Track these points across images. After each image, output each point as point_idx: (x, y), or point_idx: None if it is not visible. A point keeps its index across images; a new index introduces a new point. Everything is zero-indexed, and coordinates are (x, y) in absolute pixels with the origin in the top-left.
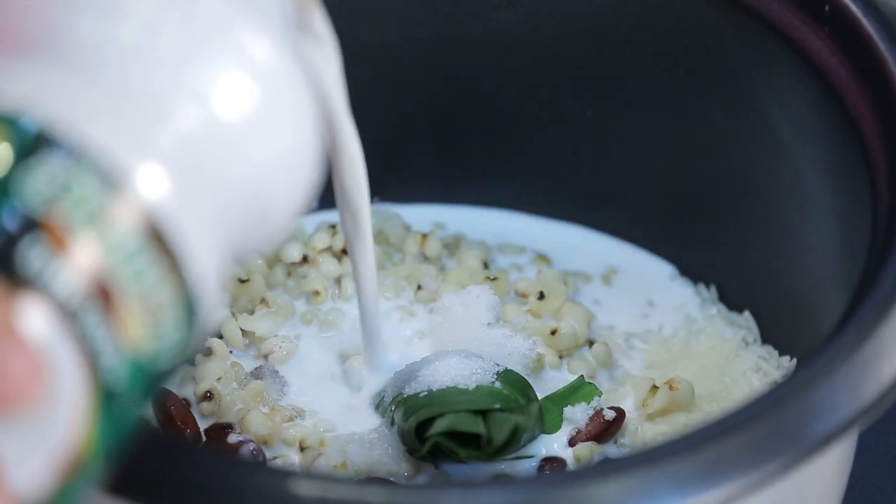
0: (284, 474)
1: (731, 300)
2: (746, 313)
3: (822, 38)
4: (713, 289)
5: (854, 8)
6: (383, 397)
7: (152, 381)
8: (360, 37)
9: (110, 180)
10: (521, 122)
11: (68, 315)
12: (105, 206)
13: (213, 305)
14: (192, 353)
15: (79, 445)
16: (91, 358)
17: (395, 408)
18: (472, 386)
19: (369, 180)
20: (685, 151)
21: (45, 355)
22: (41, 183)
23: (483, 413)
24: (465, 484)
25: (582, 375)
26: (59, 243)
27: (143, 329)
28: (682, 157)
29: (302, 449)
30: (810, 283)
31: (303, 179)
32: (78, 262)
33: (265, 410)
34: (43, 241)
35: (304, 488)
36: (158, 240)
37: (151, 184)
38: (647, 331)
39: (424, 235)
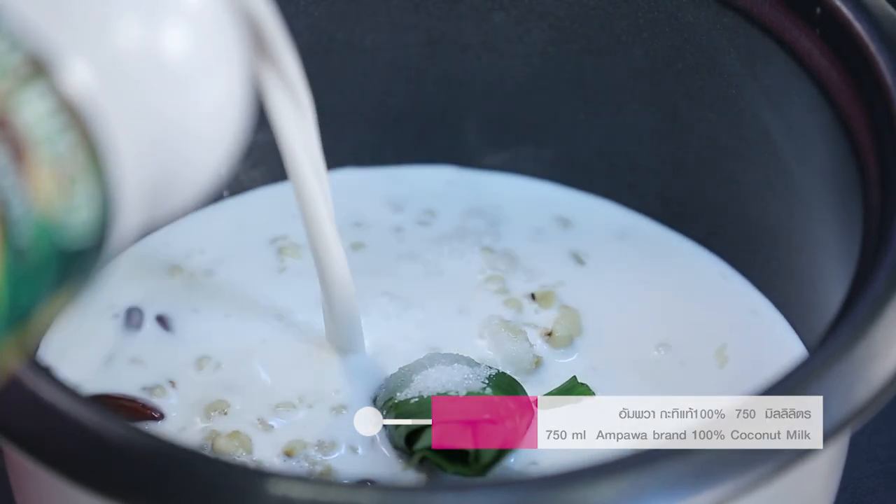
0: (276, 478)
1: None
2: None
3: (813, 40)
4: None
5: (845, 10)
6: (375, 400)
7: (59, 260)
8: (351, 39)
9: (28, 48)
10: (512, 125)
11: None
12: (20, 65)
13: (131, 218)
14: (106, 260)
15: None
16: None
17: (386, 413)
18: (462, 393)
19: None
20: (677, 152)
21: None
22: None
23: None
24: (457, 486)
25: (574, 376)
26: None
27: (52, 193)
28: (674, 159)
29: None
30: (801, 284)
31: (227, 129)
32: None
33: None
34: None
35: (295, 491)
36: (75, 116)
37: (76, 71)
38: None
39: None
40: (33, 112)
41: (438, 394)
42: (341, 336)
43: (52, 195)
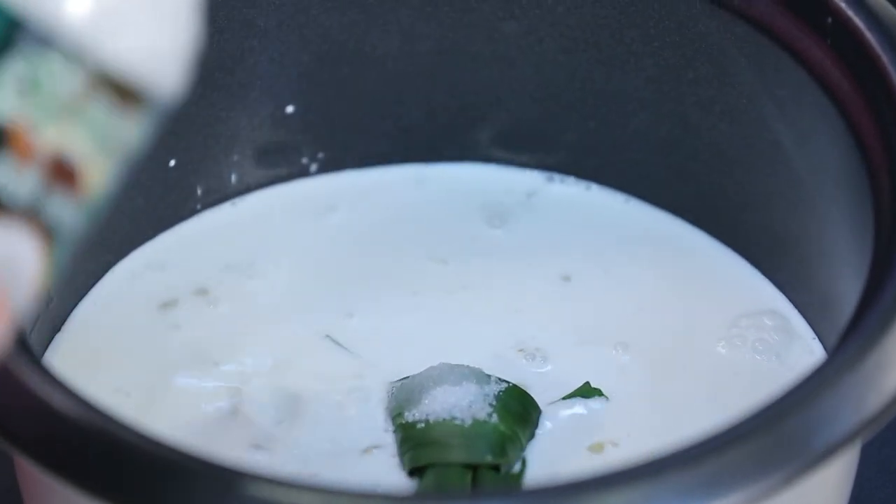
0: (286, 486)
1: None
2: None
3: (824, 50)
4: None
5: (857, 20)
6: (386, 407)
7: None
8: (362, 48)
9: (75, 54)
10: (523, 134)
11: (32, 214)
12: (74, 89)
13: (176, 87)
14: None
15: (35, 287)
16: (51, 233)
17: (395, 430)
18: (468, 420)
19: None
20: (687, 161)
21: (8, 269)
22: (10, 90)
23: (474, 466)
24: (465, 496)
25: (588, 382)
26: (23, 149)
27: (104, 176)
28: (684, 168)
29: None
30: (818, 292)
31: None
32: (42, 159)
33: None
34: (7, 154)
35: (306, 499)
36: (123, 92)
37: (104, 33)
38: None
39: None
40: (90, 131)
41: (444, 420)
42: None
43: (103, 178)
